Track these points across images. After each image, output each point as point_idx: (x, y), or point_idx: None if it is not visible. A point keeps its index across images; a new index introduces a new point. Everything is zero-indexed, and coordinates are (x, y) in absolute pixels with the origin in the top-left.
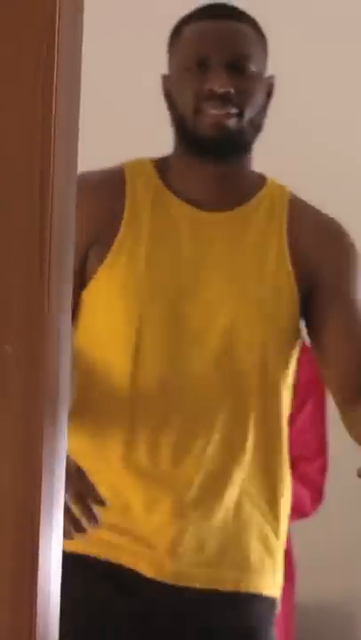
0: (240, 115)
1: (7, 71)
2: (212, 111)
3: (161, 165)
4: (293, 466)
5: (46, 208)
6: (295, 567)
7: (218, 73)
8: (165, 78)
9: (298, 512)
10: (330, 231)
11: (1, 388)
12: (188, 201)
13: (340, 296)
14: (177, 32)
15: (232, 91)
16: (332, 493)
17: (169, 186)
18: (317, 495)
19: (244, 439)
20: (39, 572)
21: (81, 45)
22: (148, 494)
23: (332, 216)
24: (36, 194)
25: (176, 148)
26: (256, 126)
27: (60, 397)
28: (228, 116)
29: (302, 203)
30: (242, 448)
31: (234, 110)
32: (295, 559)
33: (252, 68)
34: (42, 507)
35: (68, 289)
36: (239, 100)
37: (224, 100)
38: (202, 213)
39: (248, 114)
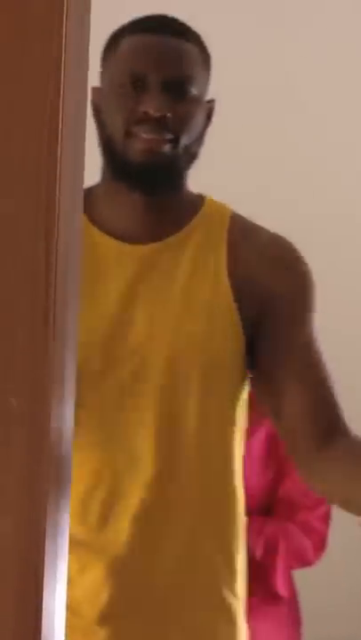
0: (175, 141)
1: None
2: (145, 135)
3: (86, 196)
4: (294, 514)
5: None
6: (302, 613)
7: (154, 94)
8: (95, 91)
9: (301, 561)
10: (281, 256)
11: (4, 440)
12: (114, 234)
13: (293, 333)
14: (112, 43)
15: (169, 115)
16: (335, 540)
17: (93, 219)
18: (320, 544)
19: (180, 493)
20: (43, 624)
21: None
22: (81, 560)
23: (282, 236)
24: (42, 239)
25: (104, 173)
26: (192, 153)
27: (63, 450)
28: (162, 141)
29: (246, 224)
30: (179, 502)
31: (169, 136)
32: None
33: (193, 91)
34: (46, 559)
35: (74, 341)
36: (175, 125)
37: (159, 124)
38: (128, 247)
39: (184, 140)
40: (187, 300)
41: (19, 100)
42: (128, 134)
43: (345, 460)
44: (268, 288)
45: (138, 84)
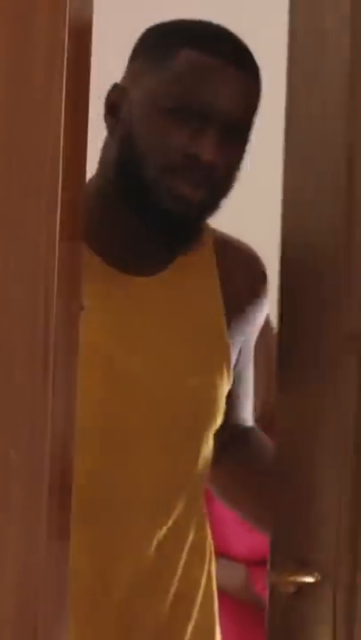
0: (218, 190)
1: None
2: (188, 187)
3: None
4: None
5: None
6: None
7: (214, 138)
8: (118, 90)
9: None
10: (261, 283)
11: (3, 491)
12: (103, 255)
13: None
14: (165, 48)
15: (220, 162)
16: None
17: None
18: None
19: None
20: None
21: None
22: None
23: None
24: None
25: (106, 183)
26: (220, 205)
27: (63, 502)
28: (202, 192)
29: (227, 245)
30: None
31: (210, 184)
32: None
33: (249, 136)
34: (45, 605)
35: (73, 394)
36: (223, 172)
37: (208, 171)
38: (118, 276)
39: (226, 190)
40: (185, 346)
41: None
42: (167, 172)
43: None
44: (252, 315)
45: (195, 117)
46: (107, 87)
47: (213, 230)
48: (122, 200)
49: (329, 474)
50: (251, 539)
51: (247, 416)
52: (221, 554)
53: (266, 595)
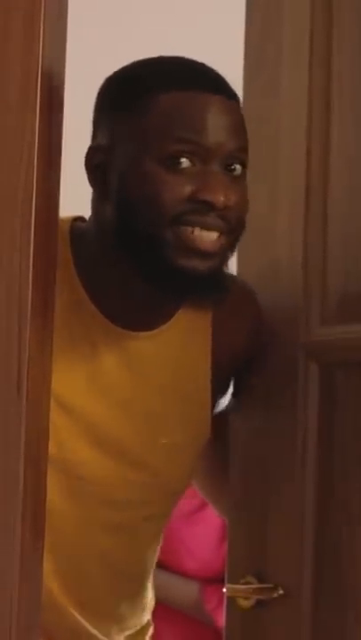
0: (233, 235)
1: None
2: (204, 239)
3: (76, 242)
4: None
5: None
6: None
7: (219, 177)
8: (102, 150)
9: None
10: (257, 325)
11: None
12: (101, 307)
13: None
14: (144, 93)
15: (233, 202)
16: None
17: (81, 279)
18: None
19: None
20: None
21: None
22: None
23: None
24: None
25: (102, 246)
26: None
27: (37, 527)
28: (220, 241)
29: (233, 297)
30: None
31: (226, 229)
32: None
33: (246, 167)
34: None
35: (46, 417)
36: (233, 214)
37: (221, 216)
38: (114, 329)
39: (240, 233)
40: (165, 403)
41: None
42: (174, 222)
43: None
44: (246, 357)
45: (196, 159)
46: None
47: None
48: (124, 258)
49: (290, 487)
50: (205, 555)
51: None
52: (176, 570)
53: (216, 613)
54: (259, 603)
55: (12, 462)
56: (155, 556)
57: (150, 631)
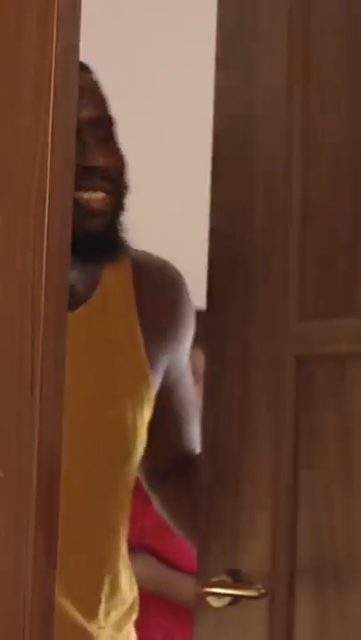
0: (115, 193)
1: None
2: (85, 195)
3: None
4: None
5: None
6: None
7: (85, 140)
8: None
9: None
10: (177, 300)
11: None
12: None
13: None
14: None
15: (108, 165)
16: None
17: None
18: None
19: None
20: None
21: None
22: None
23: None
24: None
25: None
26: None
27: (50, 520)
28: (106, 200)
29: (143, 268)
30: None
31: (110, 189)
32: None
33: (112, 125)
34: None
35: (59, 418)
36: (113, 174)
37: (103, 178)
38: None
39: (122, 190)
40: (102, 375)
41: None
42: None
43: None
44: (174, 335)
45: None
46: None
47: (133, 251)
48: None
49: (265, 482)
50: None
51: (189, 443)
52: (187, 569)
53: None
54: (233, 602)
55: (26, 463)
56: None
57: (134, 616)
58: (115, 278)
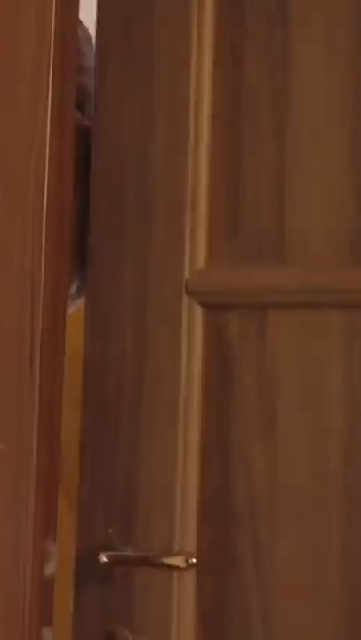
0: None
1: None
2: None
3: None
4: None
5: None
6: None
7: None
8: None
9: None
10: None
11: None
12: None
13: None
14: None
15: None
16: None
17: None
18: None
19: None
20: None
21: None
22: None
23: None
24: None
25: None
26: None
27: (49, 491)
28: None
29: None
30: None
31: None
32: None
33: None
34: (32, 595)
35: (59, 391)
36: None
37: None
38: None
39: None
40: None
41: None
42: None
43: None
44: None
45: None
46: None
47: None
48: None
49: (169, 433)
50: None
51: None
52: None
53: None
54: (129, 571)
55: (26, 436)
56: None
57: None
58: None
